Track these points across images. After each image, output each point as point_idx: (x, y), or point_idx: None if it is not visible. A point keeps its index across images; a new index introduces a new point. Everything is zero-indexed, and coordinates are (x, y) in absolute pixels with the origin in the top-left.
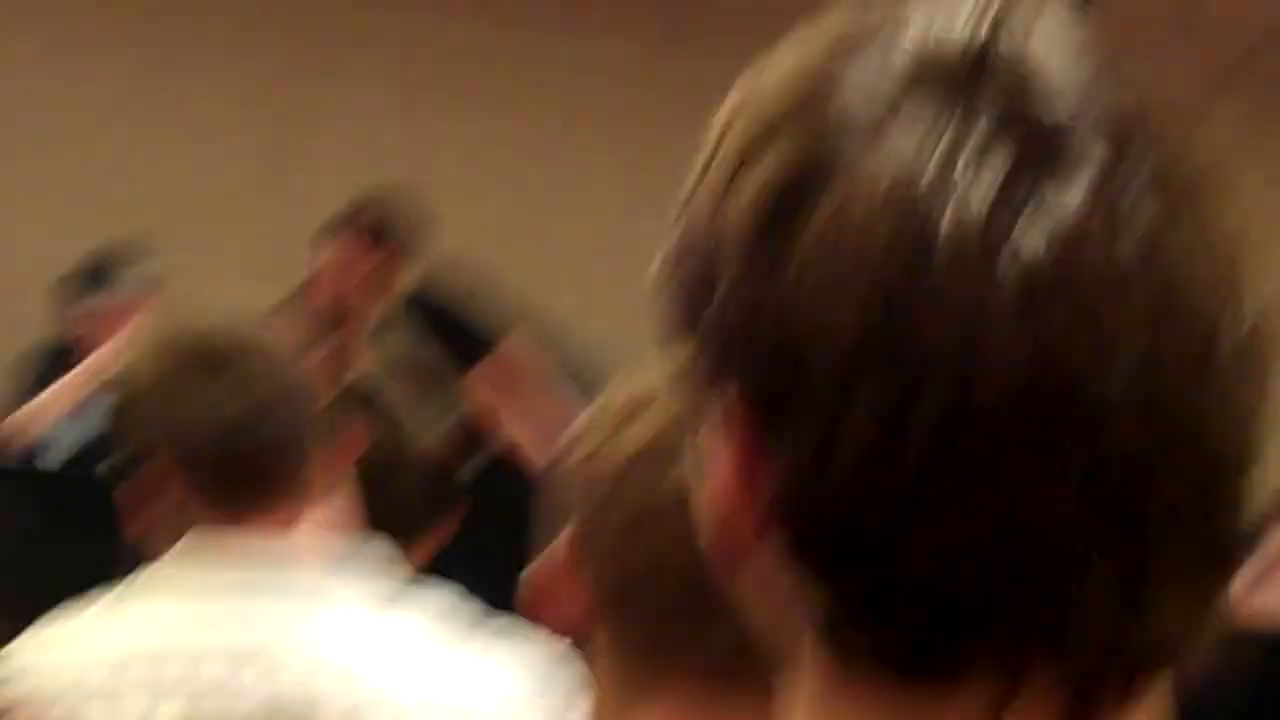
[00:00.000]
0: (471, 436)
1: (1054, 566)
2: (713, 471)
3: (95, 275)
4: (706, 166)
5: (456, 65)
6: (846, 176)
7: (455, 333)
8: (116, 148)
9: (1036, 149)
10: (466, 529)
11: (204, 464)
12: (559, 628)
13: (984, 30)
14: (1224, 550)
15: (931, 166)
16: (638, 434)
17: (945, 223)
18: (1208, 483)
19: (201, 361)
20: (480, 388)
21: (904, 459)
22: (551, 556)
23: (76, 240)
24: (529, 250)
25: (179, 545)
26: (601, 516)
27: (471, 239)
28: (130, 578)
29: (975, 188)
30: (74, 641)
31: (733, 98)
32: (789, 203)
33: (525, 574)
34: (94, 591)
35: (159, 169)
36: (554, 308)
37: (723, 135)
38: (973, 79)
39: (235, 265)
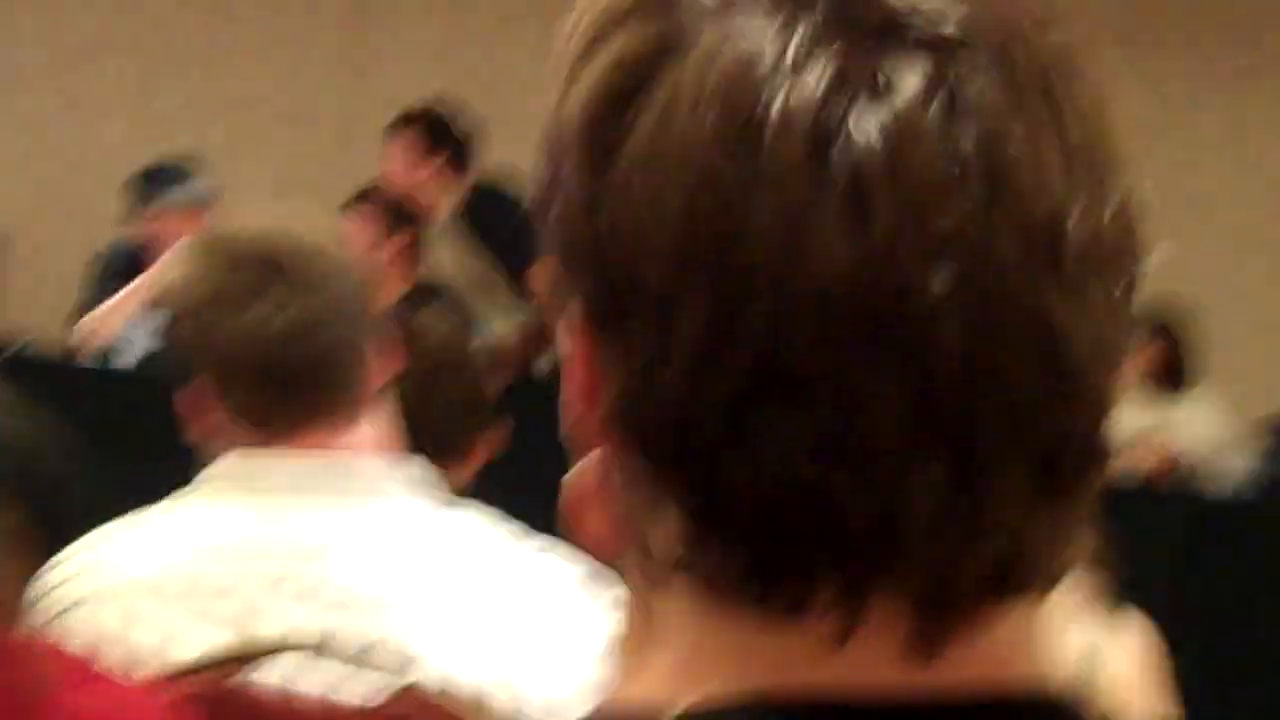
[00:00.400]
0: (542, 333)
1: (886, 481)
2: (568, 374)
3: (164, 178)
4: (558, 57)
5: None
6: (679, 65)
7: (511, 236)
8: (181, 53)
9: (876, 36)
10: (514, 445)
11: (252, 378)
12: (593, 546)
13: None
14: (1072, 459)
15: (766, 52)
16: None
17: (774, 111)
18: (1051, 387)
19: (253, 271)
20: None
21: (731, 366)
22: (584, 472)
23: (148, 144)
24: None
25: (229, 455)
26: None
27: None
28: (188, 482)
29: (808, 75)
30: (130, 542)
31: None
32: (622, 93)
33: (562, 489)
34: (159, 493)
35: (223, 74)
36: None
37: (575, 25)
38: None
39: (300, 171)
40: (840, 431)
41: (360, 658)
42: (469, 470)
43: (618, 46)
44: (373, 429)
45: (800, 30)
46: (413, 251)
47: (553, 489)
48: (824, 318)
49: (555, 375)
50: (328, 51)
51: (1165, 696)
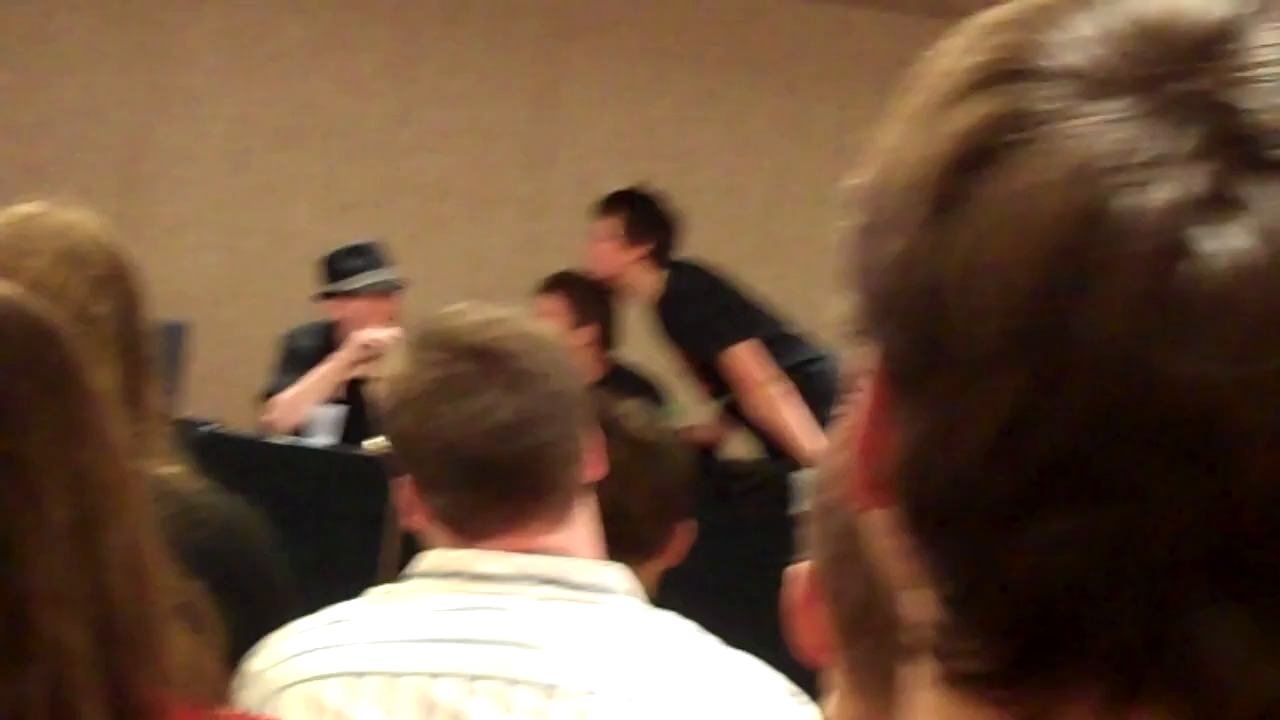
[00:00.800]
0: (732, 418)
1: (1171, 599)
2: (856, 424)
3: (353, 261)
4: (899, 113)
5: (714, 33)
6: (1030, 147)
7: (699, 329)
8: (368, 140)
9: (1241, 154)
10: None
11: (462, 476)
12: (809, 646)
13: (1217, 14)
14: None
15: (1125, 151)
16: None
17: (1126, 213)
18: None
19: (471, 364)
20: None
21: (1030, 453)
22: (797, 578)
23: (334, 229)
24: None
25: (435, 551)
26: (855, 521)
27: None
28: (378, 558)
29: (1167, 182)
30: (339, 632)
31: (941, 44)
32: (966, 159)
33: (785, 585)
34: (350, 570)
35: (410, 159)
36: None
37: (919, 83)
38: (1192, 63)
39: (486, 256)
40: (1132, 541)
41: None
42: (660, 567)
43: (965, 113)
44: (579, 528)
45: (1161, 128)
46: (605, 337)
47: (733, 594)
48: (1138, 425)
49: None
50: (515, 136)
51: None
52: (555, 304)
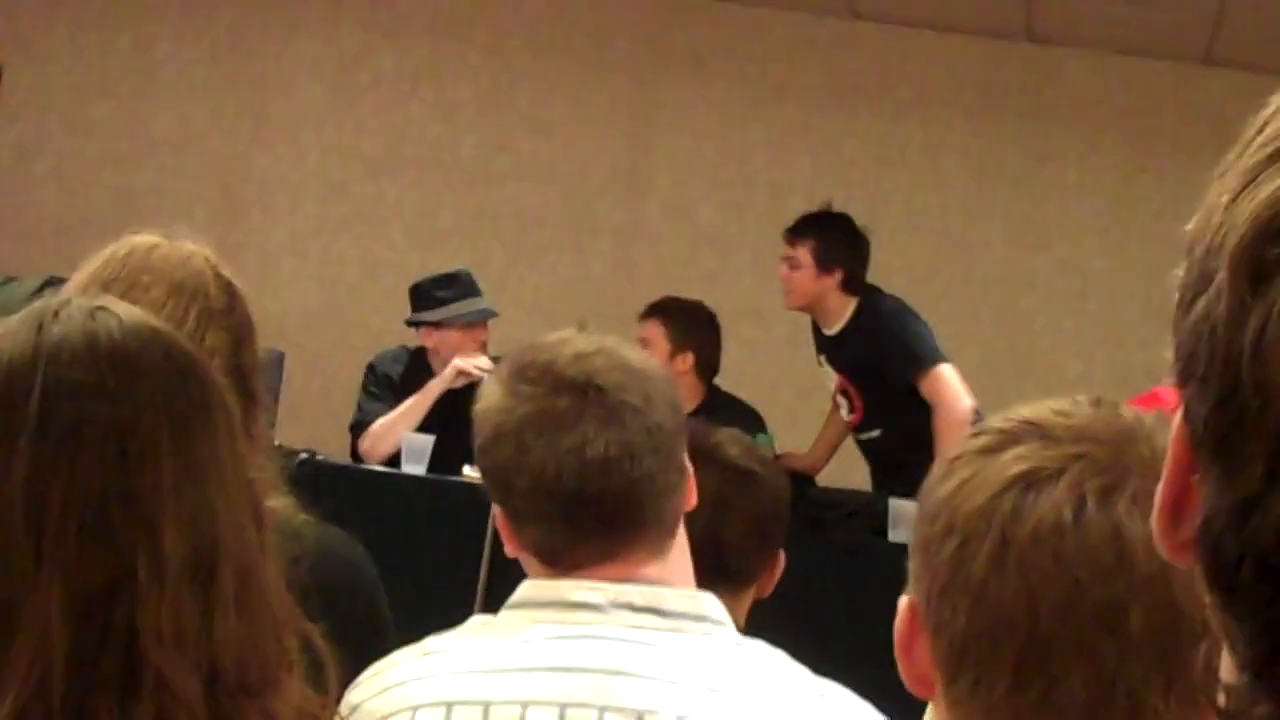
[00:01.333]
0: (867, 450)
1: None
2: (1165, 478)
3: (445, 289)
4: (1228, 166)
5: (807, 60)
6: None
7: (900, 350)
8: (470, 164)
9: None
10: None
11: (557, 508)
12: (913, 679)
13: None
14: None
15: None
16: (1006, 465)
17: None
18: None
19: (570, 400)
20: None
21: None
22: (903, 611)
23: (426, 259)
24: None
25: (539, 577)
26: (961, 554)
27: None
28: (498, 591)
29: None
30: (438, 663)
31: (1274, 100)
32: (1271, 241)
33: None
34: (448, 597)
35: (502, 189)
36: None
37: (1246, 144)
38: None
39: (579, 284)
40: None
41: None
42: (753, 596)
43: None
44: (674, 559)
45: None
46: (704, 364)
47: (824, 622)
48: None
49: (821, 502)
50: (609, 164)
51: None
52: (653, 331)
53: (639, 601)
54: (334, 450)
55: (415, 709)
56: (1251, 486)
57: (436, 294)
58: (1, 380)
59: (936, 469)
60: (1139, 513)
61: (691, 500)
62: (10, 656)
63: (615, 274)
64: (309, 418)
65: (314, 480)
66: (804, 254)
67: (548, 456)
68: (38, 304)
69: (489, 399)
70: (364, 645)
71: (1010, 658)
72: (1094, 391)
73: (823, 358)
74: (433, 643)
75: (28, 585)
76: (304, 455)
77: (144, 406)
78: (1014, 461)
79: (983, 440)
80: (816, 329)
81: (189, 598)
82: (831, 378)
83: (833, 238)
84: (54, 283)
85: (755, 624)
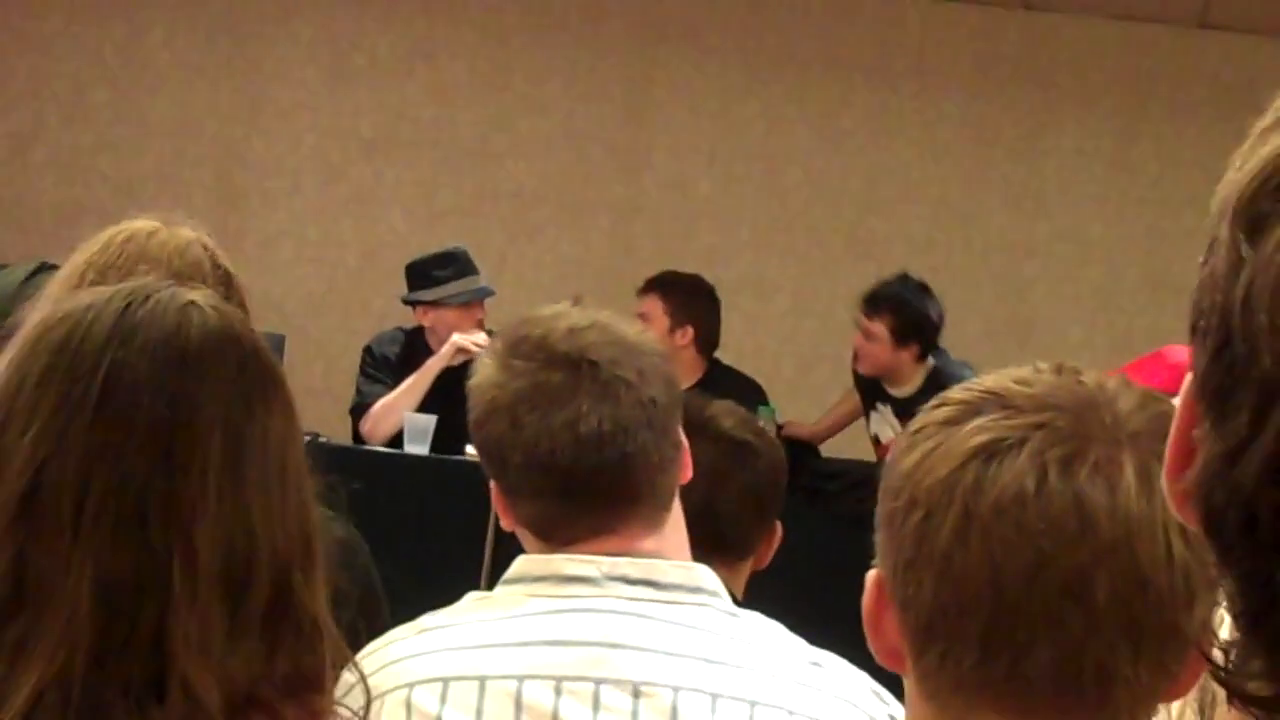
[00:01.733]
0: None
1: None
2: (1171, 436)
3: (443, 267)
4: (1250, 133)
5: (802, 32)
6: None
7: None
8: (467, 144)
9: None
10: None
11: (551, 486)
12: (883, 653)
13: None
14: None
15: None
16: (967, 436)
17: None
18: None
19: (564, 372)
20: None
21: None
22: (870, 585)
23: (427, 238)
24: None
25: (525, 558)
26: (925, 527)
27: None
28: (479, 562)
29: None
30: (431, 641)
31: None
32: (1268, 195)
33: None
34: (454, 576)
35: (501, 167)
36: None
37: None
38: None
39: (579, 261)
40: None
41: None
42: (750, 567)
43: (1273, 148)
44: (669, 533)
45: None
46: (704, 338)
47: (822, 593)
48: None
49: (823, 473)
50: (607, 140)
51: None
52: (652, 306)
53: (634, 574)
54: (337, 433)
55: (412, 686)
56: (1239, 434)
57: (433, 273)
58: (74, 352)
59: (900, 441)
60: (1101, 480)
61: (687, 474)
62: (39, 632)
63: (615, 250)
64: (311, 401)
65: (317, 462)
66: (880, 328)
67: (541, 432)
68: (136, 283)
69: (483, 374)
70: (359, 624)
71: (976, 630)
72: (1096, 357)
73: (883, 407)
74: (429, 620)
75: (62, 564)
76: (306, 438)
77: (201, 413)
78: (975, 433)
79: (944, 412)
80: (876, 383)
81: (220, 608)
82: (885, 425)
83: (910, 314)
84: (46, 268)
85: (754, 595)
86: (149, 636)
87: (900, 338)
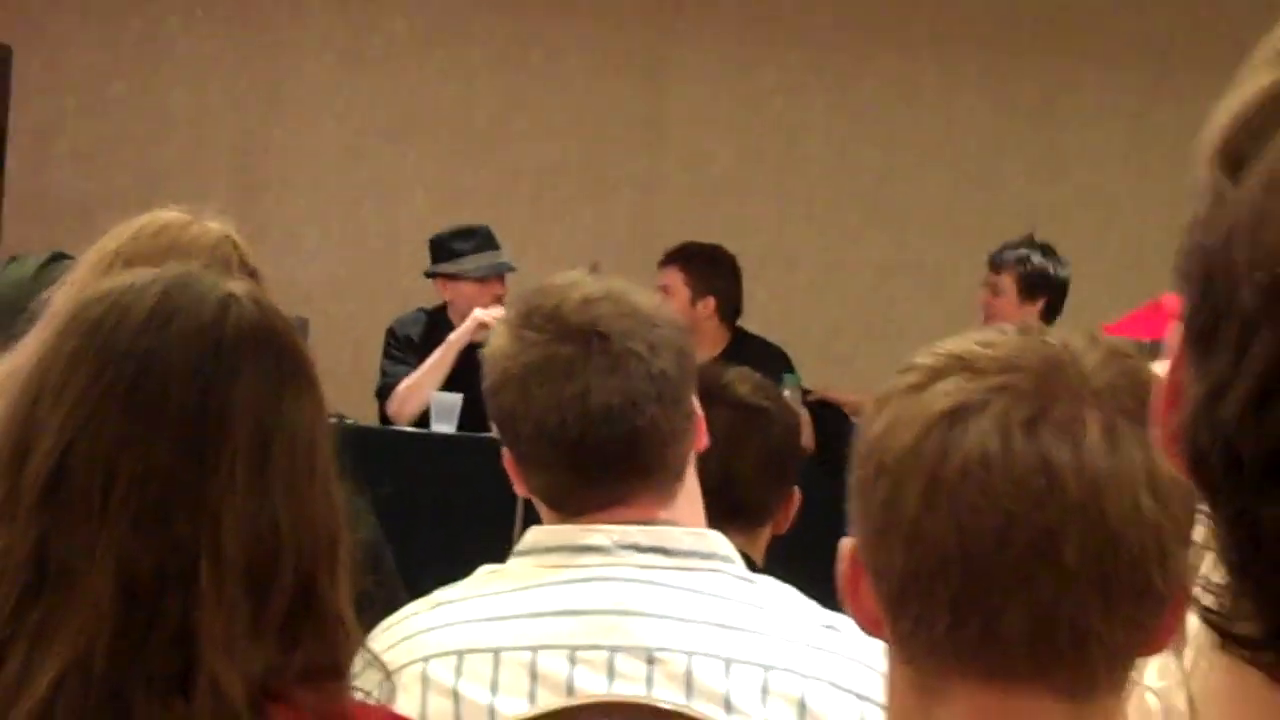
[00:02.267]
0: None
1: None
2: (1163, 382)
3: (465, 242)
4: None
5: (820, 1)
6: None
7: None
8: (486, 124)
9: None
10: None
11: (562, 456)
12: (861, 618)
13: None
14: None
15: None
16: (932, 401)
17: None
18: None
19: (576, 344)
20: None
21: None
22: (844, 554)
23: (449, 218)
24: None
25: (539, 528)
26: (892, 494)
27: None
28: (509, 538)
29: None
30: (445, 614)
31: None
32: (1257, 121)
33: (838, 557)
34: (483, 552)
35: (521, 146)
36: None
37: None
38: None
39: (601, 237)
40: None
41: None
42: (769, 533)
43: (1261, 79)
44: (682, 503)
45: None
46: (726, 308)
47: (831, 558)
48: None
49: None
50: (625, 115)
51: None
52: (673, 278)
53: (645, 541)
54: (364, 416)
55: (427, 659)
56: (1221, 373)
57: (453, 246)
58: (109, 333)
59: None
60: (1066, 439)
61: (702, 443)
62: (62, 618)
63: (637, 224)
64: (337, 385)
65: (345, 444)
66: (1008, 282)
67: (551, 405)
68: (178, 269)
69: (496, 343)
70: (370, 603)
71: (947, 594)
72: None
73: None
74: (442, 594)
75: (87, 549)
76: (333, 420)
77: (232, 406)
78: (939, 397)
79: (909, 378)
80: None
81: (245, 602)
82: None
83: (1035, 268)
84: (59, 258)
85: (774, 561)
86: (173, 629)
87: (1026, 292)
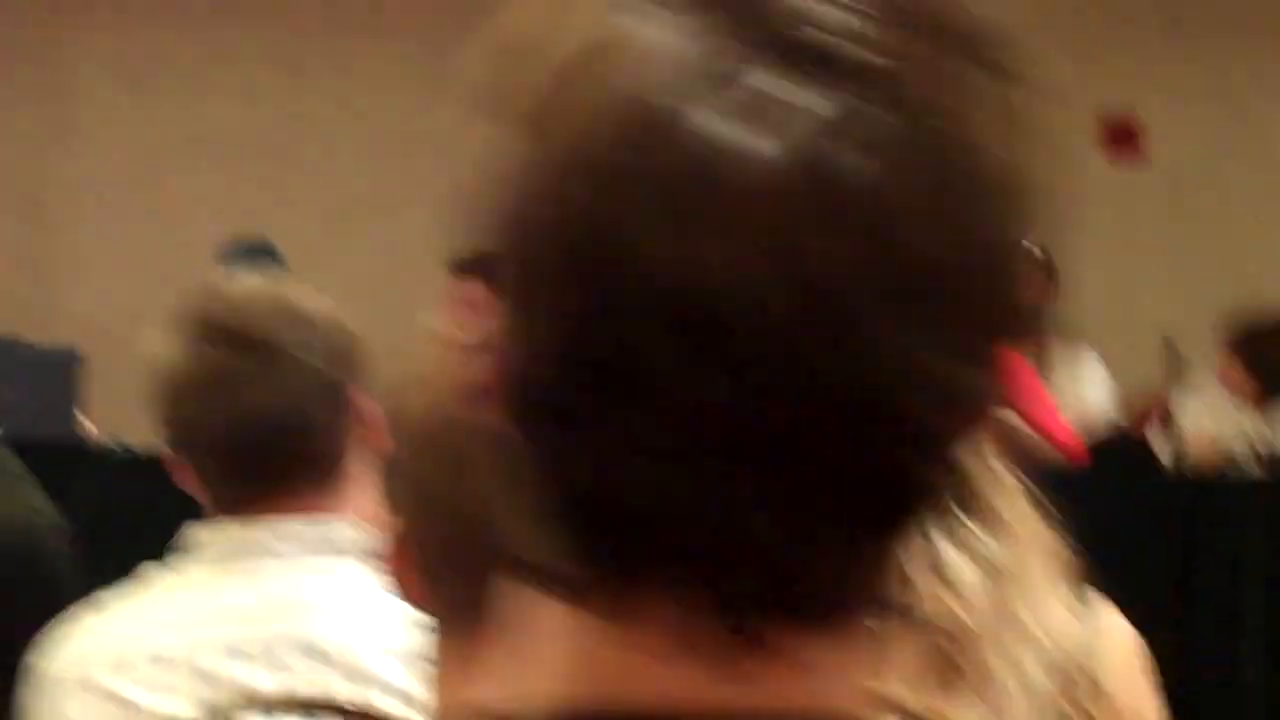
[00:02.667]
0: None
1: (706, 488)
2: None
3: (246, 257)
4: None
5: None
6: (591, 69)
7: None
8: (272, 145)
9: (778, 55)
10: None
11: (221, 456)
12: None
13: None
14: (890, 492)
15: (672, 58)
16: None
17: (657, 122)
18: (867, 414)
19: (226, 348)
20: None
21: (583, 358)
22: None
23: (247, 236)
24: None
25: (203, 526)
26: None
27: None
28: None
29: (706, 90)
30: (108, 619)
31: None
32: (524, 80)
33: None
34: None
35: (297, 164)
36: None
37: None
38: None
39: (407, 248)
40: (671, 433)
41: (353, 713)
42: None
43: (517, 15)
44: (355, 501)
45: (708, 40)
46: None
47: None
48: (664, 321)
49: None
50: (410, 128)
51: (1150, 688)
52: (475, 290)
53: (309, 534)
54: (149, 442)
55: (88, 667)
56: (534, 324)
57: (232, 265)
58: None
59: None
60: None
61: (378, 437)
62: None
63: (435, 241)
64: (127, 411)
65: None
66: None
67: (203, 411)
68: None
69: (160, 349)
70: (41, 614)
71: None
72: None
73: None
74: (105, 599)
75: None
76: (118, 450)
77: None
78: None
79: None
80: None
81: None
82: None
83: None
84: None
85: None
86: None
87: None
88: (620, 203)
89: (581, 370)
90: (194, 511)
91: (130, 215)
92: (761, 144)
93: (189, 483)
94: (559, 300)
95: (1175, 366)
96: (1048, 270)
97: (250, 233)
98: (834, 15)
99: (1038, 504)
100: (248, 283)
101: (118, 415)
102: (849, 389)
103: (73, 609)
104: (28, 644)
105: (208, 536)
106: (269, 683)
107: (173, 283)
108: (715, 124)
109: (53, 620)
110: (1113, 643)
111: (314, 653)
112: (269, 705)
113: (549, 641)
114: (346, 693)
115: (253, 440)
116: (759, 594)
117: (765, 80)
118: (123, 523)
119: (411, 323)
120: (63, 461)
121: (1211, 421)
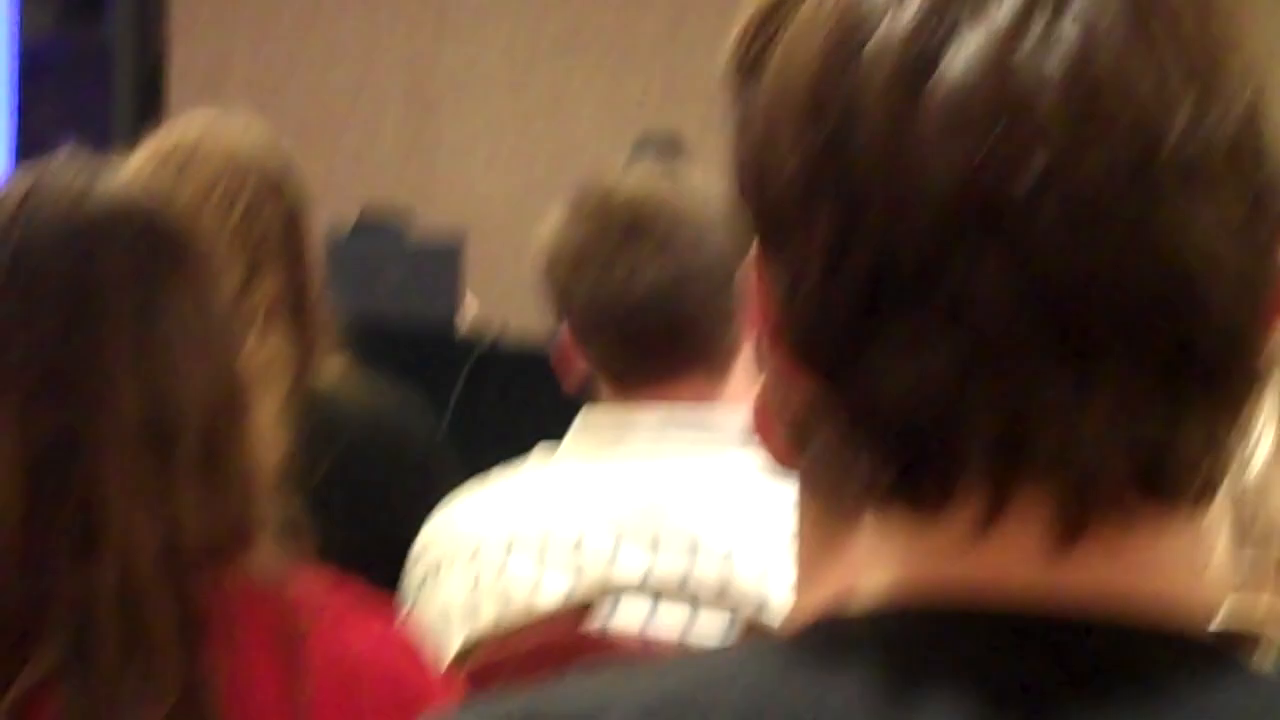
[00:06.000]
0: None
1: (1011, 378)
2: (750, 291)
3: (649, 155)
4: None
5: None
6: (798, 10)
7: None
8: (652, 41)
9: None
10: None
11: (612, 337)
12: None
13: None
14: (1199, 365)
15: None
16: None
17: (878, 37)
18: (1159, 289)
19: (619, 230)
20: None
21: (853, 274)
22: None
23: (624, 135)
24: None
25: (590, 410)
26: None
27: None
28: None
29: (906, 8)
30: (488, 502)
31: None
32: (761, 24)
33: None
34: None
35: (686, 58)
36: None
37: None
38: None
39: None
40: (958, 330)
41: (715, 600)
42: None
43: None
44: (735, 385)
45: None
46: None
47: None
48: (930, 221)
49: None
50: None
51: None
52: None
53: (693, 421)
54: (526, 327)
55: (479, 543)
56: (795, 268)
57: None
58: None
59: None
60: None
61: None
62: None
63: None
64: (501, 296)
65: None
66: None
67: (599, 288)
68: (49, 165)
69: (551, 224)
70: (414, 502)
71: None
72: None
73: None
74: (495, 478)
75: None
76: (492, 339)
77: (110, 269)
78: None
79: None
80: None
81: (149, 460)
82: None
83: None
84: None
85: None
86: (80, 494)
87: None
88: (852, 123)
89: (853, 284)
90: (570, 404)
91: (508, 109)
92: (968, 46)
93: (573, 367)
94: (818, 227)
95: None
96: None
97: (627, 125)
98: None
99: None
100: (645, 171)
101: (499, 302)
102: (1134, 266)
103: (451, 495)
104: (404, 532)
105: (595, 419)
106: (656, 568)
107: (548, 179)
108: (928, 33)
109: (428, 507)
110: None
111: (700, 547)
112: (656, 591)
113: (867, 550)
114: (735, 594)
115: (646, 323)
116: (1086, 474)
117: (1008, 5)
118: (498, 413)
119: None
120: (440, 350)
121: None
